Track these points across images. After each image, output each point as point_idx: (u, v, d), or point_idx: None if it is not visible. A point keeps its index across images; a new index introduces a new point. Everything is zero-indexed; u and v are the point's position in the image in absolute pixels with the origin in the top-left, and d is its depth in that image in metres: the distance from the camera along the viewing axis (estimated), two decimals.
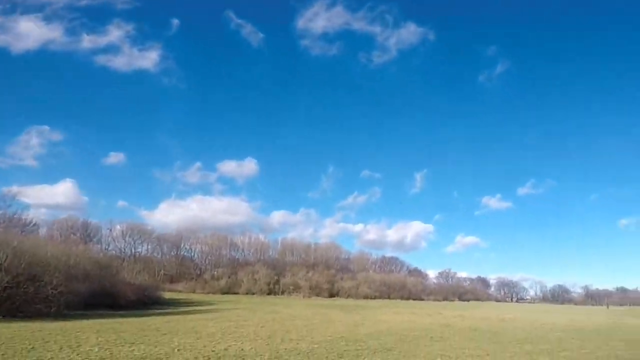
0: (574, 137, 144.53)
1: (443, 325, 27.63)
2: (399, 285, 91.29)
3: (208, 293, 64.57)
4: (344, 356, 13.91)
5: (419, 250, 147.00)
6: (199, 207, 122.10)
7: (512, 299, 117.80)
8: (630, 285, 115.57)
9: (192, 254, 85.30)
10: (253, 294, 66.94)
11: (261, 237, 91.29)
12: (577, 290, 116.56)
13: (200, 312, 31.70)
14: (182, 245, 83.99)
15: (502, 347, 18.27)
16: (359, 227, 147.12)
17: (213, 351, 13.67)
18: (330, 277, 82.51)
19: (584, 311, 62.57)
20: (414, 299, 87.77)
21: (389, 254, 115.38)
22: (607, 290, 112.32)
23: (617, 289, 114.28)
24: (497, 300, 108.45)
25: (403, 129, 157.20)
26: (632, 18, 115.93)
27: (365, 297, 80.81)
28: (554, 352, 16.90)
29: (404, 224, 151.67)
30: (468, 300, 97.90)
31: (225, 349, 14.23)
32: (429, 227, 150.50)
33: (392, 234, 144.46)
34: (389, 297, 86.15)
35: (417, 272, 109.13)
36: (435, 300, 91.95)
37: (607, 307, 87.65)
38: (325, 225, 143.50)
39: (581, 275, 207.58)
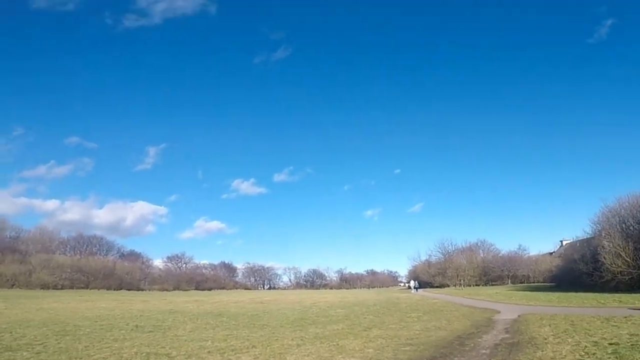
0: (335, 127, 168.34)
1: (165, 311, 22.58)
2: (105, 272, 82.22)
3: None
4: None
5: (144, 236, 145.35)
6: None
7: (264, 287, 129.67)
8: (377, 268, 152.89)
9: None
10: None
11: None
12: (331, 275, 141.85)
13: None
14: None
15: (271, 332, 13.46)
16: (52, 203, 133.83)
17: None
18: None
19: (345, 292, 73.20)
20: (129, 289, 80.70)
21: None
22: (359, 274, 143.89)
23: (368, 271, 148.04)
24: (247, 288, 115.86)
25: (140, 99, 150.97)
26: None
27: (45, 286, 68.44)
28: (359, 332, 13.08)
29: (123, 203, 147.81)
30: (210, 289, 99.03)
31: None
32: (161, 209, 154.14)
33: (104, 215, 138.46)
34: (87, 287, 75.54)
35: (134, 257, 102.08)
36: (162, 290, 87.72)
37: (369, 289, 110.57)
38: None
39: (334, 261, 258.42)
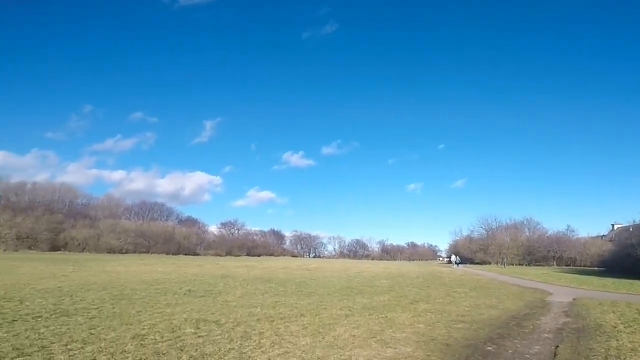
0: (381, 102, 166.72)
1: (218, 276, 22.67)
2: (165, 237, 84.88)
3: None
4: None
5: (201, 204, 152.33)
6: None
7: (310, 255, 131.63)
8: (418, 241, 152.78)
9: None
10: None
11: None
12: (373, 245, 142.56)
13: None
14: None
15: (319, 301, 13.07)
16: (119, 174, 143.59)
17: None
18: (55, 224, 71.66)
19: (387, 264, 72.55)
20: (186, 254, 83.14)
21: None
22: (400, 246, 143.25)
23: (408, 244, 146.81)
24: (294, 256, 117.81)
25: (197, 76, 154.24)
26: None
27: (111, 250, 71.74)
28: (407, 306, 12.53)
29: (183, 174, 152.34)
30: (259, 256, 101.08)
31: None
32: (217, 179, 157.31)
33: (166, 184, 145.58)
34: (148, 252, 78.59)
35: (191, 222, 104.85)
36: (216, 255, 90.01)
37: (410, 261, 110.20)
38: (69, 171, 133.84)
39: (377, 232, 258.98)
